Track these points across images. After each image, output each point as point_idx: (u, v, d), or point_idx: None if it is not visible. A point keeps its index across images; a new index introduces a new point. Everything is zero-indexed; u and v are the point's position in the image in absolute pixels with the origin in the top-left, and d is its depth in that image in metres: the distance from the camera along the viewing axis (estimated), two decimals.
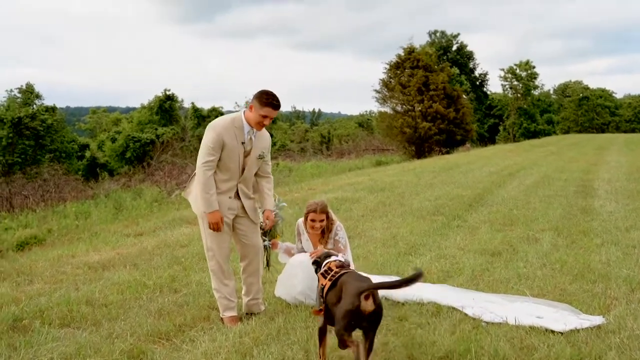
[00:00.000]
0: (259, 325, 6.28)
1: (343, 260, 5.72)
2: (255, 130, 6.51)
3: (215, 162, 6.34)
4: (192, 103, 73.47)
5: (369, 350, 4.78)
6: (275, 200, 7.26)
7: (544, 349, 5.55)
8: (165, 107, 69.09)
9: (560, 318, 6.32)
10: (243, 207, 6.65)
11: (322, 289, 5.33)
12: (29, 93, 65.25)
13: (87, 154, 63.66)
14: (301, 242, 7.45)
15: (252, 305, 6.86)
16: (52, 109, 64.40)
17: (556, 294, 7.29)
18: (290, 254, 7.47)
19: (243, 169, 6.54)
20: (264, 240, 7.14)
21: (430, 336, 5.91)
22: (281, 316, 6.55)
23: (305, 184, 21.56)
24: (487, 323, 6.34)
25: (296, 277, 7.08)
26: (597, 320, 6.28)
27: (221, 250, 6.56)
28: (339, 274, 5.25)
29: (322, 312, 5.23)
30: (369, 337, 4.79)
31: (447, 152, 47.08)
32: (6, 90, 69.77)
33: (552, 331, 5.98)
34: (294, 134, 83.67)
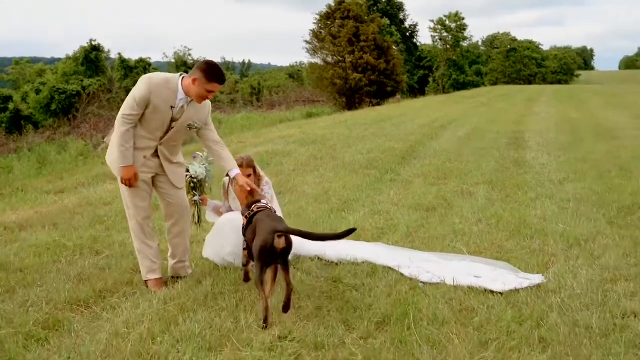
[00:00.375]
0: (185, 290, 5.89)
1: (269, 206, 5.97)
2: (189, 99, 6.05)
3: (136, 118, 5.88)
4: (119, 54, 71.61)
5: (288, 288, 5.26)
6: (203, 154, 6.85)
7: (483, 311, 5.32)
8: (91, 58, 67.29)
9: (499, 277, 6.12)
10: (162, 166, 6.21)
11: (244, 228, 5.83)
12: None
13: (10, 106, 61.52)
14: (229, 201, 7.04)
15: (179, 268, 6.46)
16: None
17: (493, 251, 7.11)
18: (219, 212, 7.06)
19: (166, 133, 6.10)
20: (194, 195, 6.74)
21: (366, 299, 5.62)
22: (209, 279, 6.17)
23: (235, 137, 21.03)
24: (425, 284, 6.10)
25: (225, 237, 6.67)
26: (537, 279, 6.10)
27: (140, 209, 6.12)
28: (254, 212, 5.72)
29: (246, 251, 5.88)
30: (285, 273, 5.28)
31: (378, 104, 47.05)
32: None
33: (492, 291, 5.77)
34: (223, 85, 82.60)
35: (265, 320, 5.08)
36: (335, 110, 44.92)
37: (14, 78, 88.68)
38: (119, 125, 5.86)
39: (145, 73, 55.11)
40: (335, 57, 50.28)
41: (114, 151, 5.95)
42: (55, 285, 6.09)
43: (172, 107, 5.97)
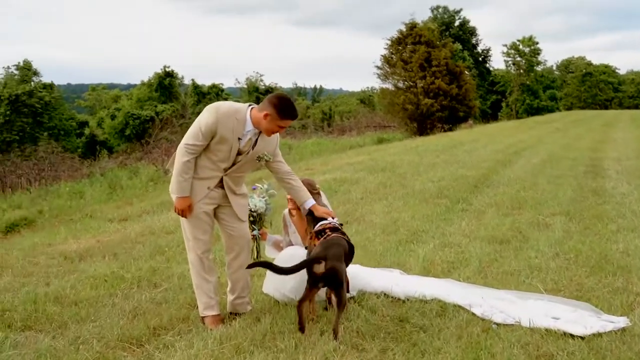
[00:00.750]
0: (242, 328, 5.60)
1: (337, 224, 6.13)
2: (257, 131, 5.84)
3: (199, 148, 5.66)
4: (192, 80, 72.91)
5: (338, 304, 5.46)
6: (263, 186, 6.61)
7: (563, 358, 4.89)
8: (165, 84, 68.75)
9: (580, 319, 5.65)
10: (226, 197, 5.99)
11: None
12: (26, 70, 64.58)
13: (86, 131, 63.06)
14: (289, 235, 6.75)
15: (238, 304, 6.19)
16: (49, 86, 63.84)
17: (572, 289, 6.63)
18: (278, 247, 6.79)
19: (232, 165, 5.88)
20: (252, 230, 6.50)
21: (435, 342, 5.24)
22: (268, 316, 5.88)
23: (303, 163, 20.82)
24: (498, 325, 5.69)
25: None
26: (621, 321, 5.61)
27: (200, 242, 5.89)
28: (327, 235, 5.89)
29: None
30: (335, 296, 5.56)
31: (450, 129, 46.38)
32: (3, 67, 69.16)
33: (572, 335, 5.32)
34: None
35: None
36: (406, 136, 44.47)
37: (91, 104, 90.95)
38: (181, 155, 5.65)
39: (218, 99, 55.77)
40: (406, 82, 49.85)
41: (172, 180, 5.75)
42: (109, 321, 5.89)
43: (239, 138, 5.73)
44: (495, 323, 5.71)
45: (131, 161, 35.79)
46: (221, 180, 5.89)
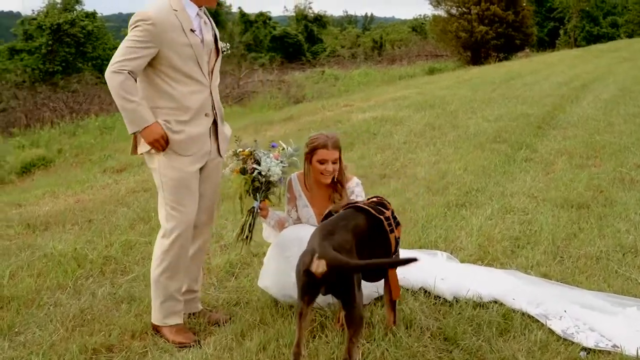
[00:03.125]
0: (217, 353, 3.90)
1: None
2: (204, 9, 4.30)
3: (137, 63, 3.99)
4: (239, 8, 70.86)
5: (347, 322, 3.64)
6: (287, 148, 4.74)
7: None
8: (211, 12, 67.03)
9: None
10: (217, 141, 4.37)
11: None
12: None
13: None
14: (296, 209, 4.90)
15: (188, 301, 4.51)
16: (92, 15, 62.35)
17: None
18: (282, 227, 4.96)
19: (211, 72, 4.31)
20: (254, 199, 4.66)
21: None
22: (259, 330, 4.17)
23: (342, 99, 18.75)
24: (588, 352, 3.89)
25: (290, 261, 4.58)
26: None
27: (185, 211, 4.19)
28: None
29: None
30: (345, 308, 3.68)
31: (506, 58, 43.70)
32: None
33: None
34: (344, 39, 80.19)
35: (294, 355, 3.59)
36: (459, 65, 42.03)
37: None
38: (112, 78, 3.95)
39: (265, 27, 53.86)
40: (460, 9, 47.22)
41: (124, 116, 4.04)
42: (37, 335, 4.22)
43: (192, 30, 4.16)
44: (584, 349, 3.91)
45: None
46: (212, 103, 4.29)
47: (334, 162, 4.63)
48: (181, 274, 4.25)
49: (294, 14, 77.83)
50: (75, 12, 61.33)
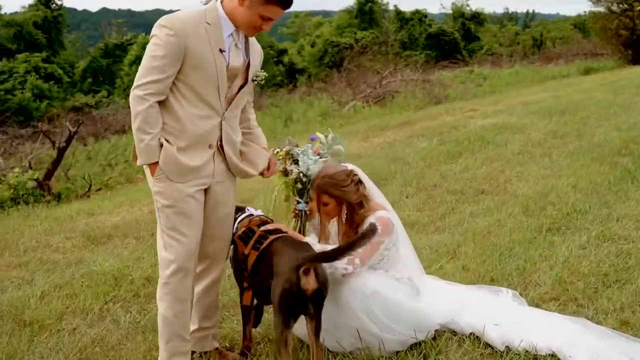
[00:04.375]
0: None
1: (265, 217, 4.22)
2: (240, 34, 3.85)
3: (163, 85, 3.65)
4: (395, 6, 70.41)
5: (316, 330, 3.67)
6: (327, 137, 4.35)
7: None
8: (365, 10, 67.08)
9: None
10: (227, 168, 3.95)
11: (245, 258, 4.01)
12: None
13: (285, 59, 62.60)
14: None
15: (201, 339, 4.17)
16: None
17: None
18: (325, 236, 4.44)
19: (230, 100, 3.87)
20: (297, 203, 4.32)
21: None
22: None
23: (473, 102, 17.88)
24: None
25: None
26: None
27: (184, 240, 3.79)
28: (269, 240, 3.93)
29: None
30: (315, 320, 3.68)
31: None
32: None
33: None
34: (503, 36, 77.94)
35: None
36: (619, 65, 39.63)
37: (293, 31, 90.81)
38: (136, 104, 3.64)
39: (420, 25, 52.95)
40: (621, 6, 44.49)
41: (136, 145, 3.73)
42: None
43: (221, 50, 3.75)
44: None
45: (321, 91, 34.25)
46: (221, 132, 3.85)
47: (324, 205, 4.12)
48: (187, 310, 3.87)
49: (450, 11, 76.38)
50: None
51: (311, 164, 4.10)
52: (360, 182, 4.18)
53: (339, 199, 4.11)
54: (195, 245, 3.83)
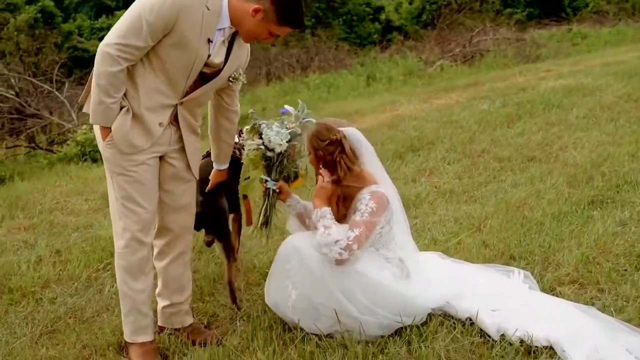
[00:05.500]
0: None
1: None
2: (232, 31, 3.65)
3: (138, 54, 3.43)
4: None
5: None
6: (298, 111, 4.01)
7: None
8: None
9: None
10: (181, 141, 3.74)
11: None
12: None
13: (382, 17, 61.80)
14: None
15: (172, 314, 3.99)
16: None
17: None
18: (302, 221, 4.20)
19: (195, 85, 3.65)
20: (265, 181, 3.99)
21: None
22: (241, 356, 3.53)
23: (554, 62, 16.98)
24: None
25: (289, 276, 3.86)
26: None
27: (139, 211, 3.61)
28: None
29: None
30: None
31: None
32: None
33: None
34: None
35: None
36: None
37: None
38: (106, 62, 3.38)
39: None
40: None
41: (93, 105, 3.48)
42: (5, 339, 3.87)
43: (209, 40, 3.52)
44: None
45: (411, 49, 33.57)
46: (176, 114, 3.67)
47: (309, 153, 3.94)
48: (143, 282, 3.67)
49: None
50: None
51: (272, 135, 3.79)
52: (342, 147, 3.84)
53: (315, 153, 3.88)
54: (151, 215, 3.64)
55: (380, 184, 3.92)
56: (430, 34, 40.12)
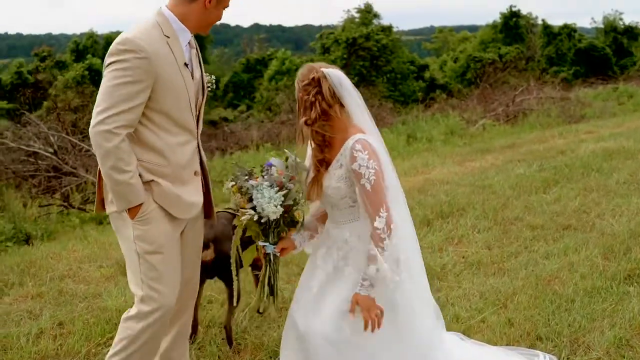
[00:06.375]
0: None
1: None
2: (192, 36, 3.52)
3: (135, 114, 3.26)
4: (543, 20, 68.28)
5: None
6: (289, 159, 3.58)
7: None
8: (510, 25, 65.39)
9: None
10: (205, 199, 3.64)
11: None
12: (366, 13, 64.73)
13: (426, 75, 61.88)
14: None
15: None
16: (387, 29, 63.44)
17: None
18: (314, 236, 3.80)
19: (198, 117, 3.55)
20: (263, 246, 3.57)
21: None
22: None
23: (606, 121, 16.52)
24: None
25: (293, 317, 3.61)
26: None
27: (167, 290, 3.38)
28: None
29: None
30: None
31: None
32: (344, 11, 70.59)
33: None
34: None
35: None
36: None
37: (437, 46, 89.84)
38: (104, 140, 3.20)
39: (569, 40, 50.96)
40: None
41: (112, 190, 3.30)
42: None
43: (185, 64, 3.41)
44: None
45: (454, 108, 33.38)
46: (200, 158, 3.57)
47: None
48: None
49: (602, 25, 73.28)
50: (371, 26, 63.07)
51: (265, 203, 3.41)
52: (320, 86, 3.44)
53: (298, 98, 3.52)
54: (175, 294, 3.45)
55: (367, 134, 3.56)
56: (473, 92, 39.93)
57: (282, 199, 3.39)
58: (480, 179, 9.27)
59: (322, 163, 3.49)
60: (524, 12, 65.75)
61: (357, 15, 65.69)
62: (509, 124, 26.01)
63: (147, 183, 3.31)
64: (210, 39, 61.57)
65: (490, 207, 7.72)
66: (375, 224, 3.28)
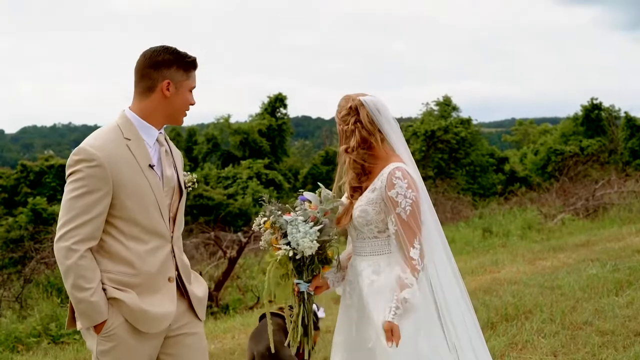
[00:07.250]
0: None
1: None
2: (160, 134, 3.44)
3: (94, 226, 3.16)
4: (626, 112, 67.53)
5: None
6: (321, 195, 3.59)
7: None
8: (592, 117, 64.79)
9: None
10: (189, 303, 3.46)
11: None
12: (445, 105, 65.11)
13: (506, 167, 61.47)
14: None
15: None
16: (466, 122, 63.58)
17: None
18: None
19: (174, 218, 3.41)
20: (297, 284, 3.55)
21: None
22: None
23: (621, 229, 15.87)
24: None
25: None
26: None
27: None
28: None
29: None
30: None
31: None
32: (422, 104, 71.17)
33: None
34: None
35: None
36: None
37: (517, 139, 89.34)
38: (64, 258, 3.12)
39: None
40: None
41: (76, 307, 3.21)
42: None
43: (150, 166, 3.30)
44: None
45: (533, 202, 32.88)
46: (176, 263, 3.39)
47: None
48: None
49: None
50: (450, 119, 63.36)
51: (300, 237, 3.36)
52: (358, 114, 3.50)
53: (339, 130, 3.57)
54: None
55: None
56: (553, 185, 39.28)
57: (318, 233, 3.32)
58: (550, 279, 8.99)
59: (357, 190, 3.49)
60: (605, 104, 64.82)
61: (435, 108, 66.10)
62: (589, 218, 25.37)
63: (112, 299, 3.19)
64: (291, 131, 62.67)
65: (558, 310, 7.43)
66: (411, 254, 3.31)
